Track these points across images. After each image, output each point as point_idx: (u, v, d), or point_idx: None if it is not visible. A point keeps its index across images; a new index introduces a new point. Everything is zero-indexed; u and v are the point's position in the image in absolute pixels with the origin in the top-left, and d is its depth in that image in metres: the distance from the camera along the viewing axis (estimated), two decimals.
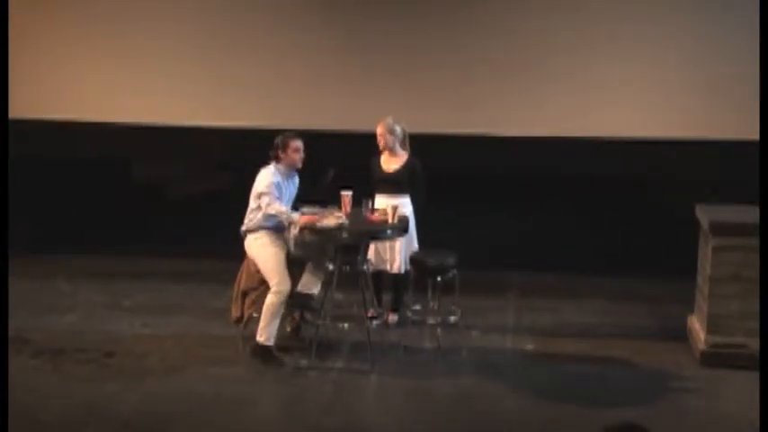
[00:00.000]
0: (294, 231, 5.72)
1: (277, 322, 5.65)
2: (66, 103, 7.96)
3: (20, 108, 7.52)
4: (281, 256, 5.74)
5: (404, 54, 7.65)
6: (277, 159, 5.86)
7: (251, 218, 5.86)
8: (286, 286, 5.63)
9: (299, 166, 5.88)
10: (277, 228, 5.84)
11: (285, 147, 5.83)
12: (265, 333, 5.65)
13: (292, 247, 5.80)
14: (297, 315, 5.91)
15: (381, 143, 6.26)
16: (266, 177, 5.79)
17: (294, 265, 5.78)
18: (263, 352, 5.66)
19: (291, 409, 5.15)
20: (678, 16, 7.33)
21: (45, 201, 8.22)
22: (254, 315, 5.83)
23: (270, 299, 5.63)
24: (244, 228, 5.90)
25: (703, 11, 7.28)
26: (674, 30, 7.32)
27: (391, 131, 6.23)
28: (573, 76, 7.46)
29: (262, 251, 5.77)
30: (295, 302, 5.83)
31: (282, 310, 5.67)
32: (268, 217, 5.79)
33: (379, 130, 6.25)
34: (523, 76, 7.54)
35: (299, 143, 5.83)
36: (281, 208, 5.73)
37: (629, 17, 7.38)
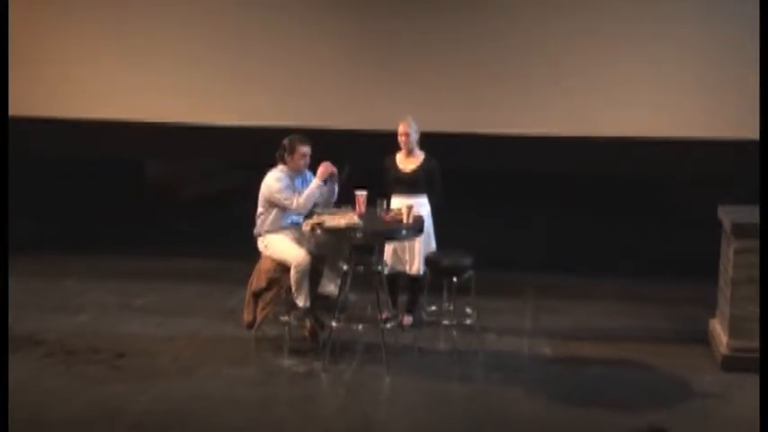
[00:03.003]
0: (305, 229, 5.75)
1: (306, 285, 5.76)
2: (81, 101, 7.99)
3: (38, 107, 7.58)
4: (289, 239, 5.85)
5: (418, 52, 7.63)
6: (283, 161, 5.91)
7: (261, 220, 5.95)
8: (303, 261, 5.73)
9: (304, 170, 5.96)
10: (288, 225, 5.93)
11: (292, 151, 5.89)
12: (302, 297, 5.76)
13: (312, 247, 5.85)
14: (312, 320, 5.93)
15: (404, 142, 6.23)
16: (273, 183, 5.86)
17: (313, 268, 5.83)
18: (306, 313, 5.83)
19: (304, 411, 5.16)
20: (699, 14, 7.29)
21: (57, 200, 8.28)
22: (270, 317, 5.90)
23: (292, 275, 5.75)
24: (255, 230, 5.99)
25: (724, 9, 7.23)
26: (692, 28, 7.28)
27: (414, 131, 6.22)
28: (590, 74, 7.43)
29: (272, 246, 5.89)
30: (314, 305, 5.87)
31: (307, 275, 5.76)
32: (279, 218, 5.88)
33: (402, 129, 6.22)
34: (540, 74, 7.50)
35: (306, 148, 5.90)
36: (306, 202, 5.81)
37: (649, 15, 7.34)
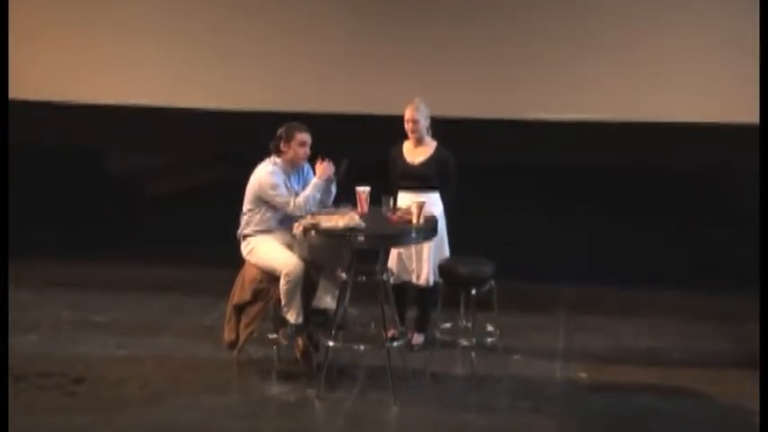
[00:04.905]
0: (297, 231, 5.71)
1: (298, 297, 5.78)
2: (30, 80, 7.95)
3: None
4: (278, 243, 5.86)
5: (429, 25, 7.71)
6: (278, 153, 5.86)
7: (246, 219, 5.95)
8: (294, 268, 5.74)
9: (302, 164, 5.97)
10: (278, 226, 5.92)
11: (290, 138, 5.88)
12: (293, 312, 5.77)
13: (305, 253, 5.85)
14: (305, 339, 5.94)
15: (412, 129, 6.20)
16: (267, 178, 5.84)
17: (306, 277, 5.84)
18: (298, 331, 5.83)
19: None
20: None
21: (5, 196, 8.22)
22: (255, 335, 5.91)
23: (282, 286, 5.75)
24: (239, 232, 6.00)
25: None
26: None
27: (423, 116, 6.18)
28: (633, 50, 7.49)
29: (256, 251, 5.88)
30: (307, 321, 5.87)
31: (299, 285, 5.77)
32: (269, 218, 5.89)
33: (409, 115, 6.20)
34: (570, 50, 7.53)
35: (305, 136, 5.91)
36: (305, 203, 5.81)
37: None
